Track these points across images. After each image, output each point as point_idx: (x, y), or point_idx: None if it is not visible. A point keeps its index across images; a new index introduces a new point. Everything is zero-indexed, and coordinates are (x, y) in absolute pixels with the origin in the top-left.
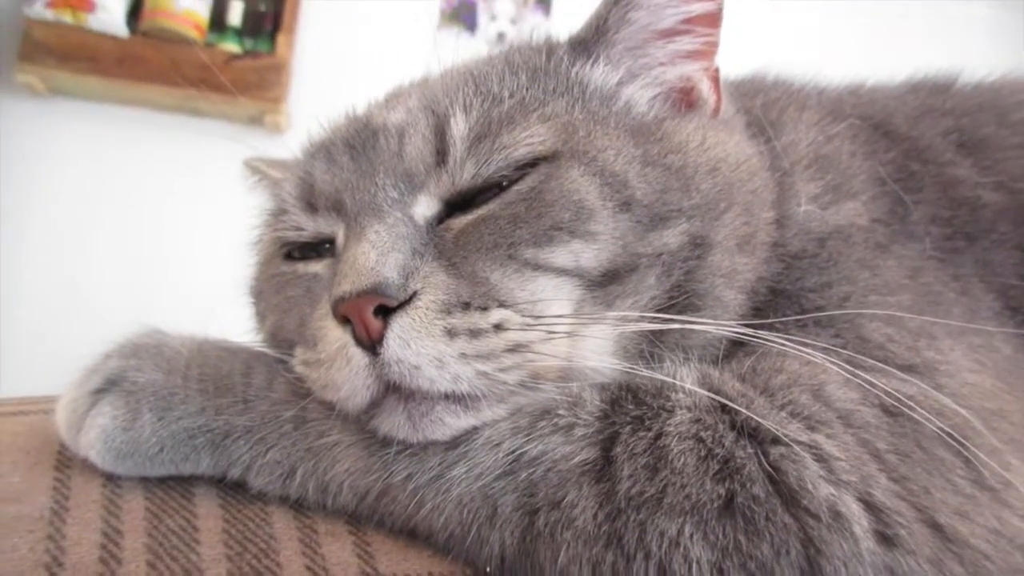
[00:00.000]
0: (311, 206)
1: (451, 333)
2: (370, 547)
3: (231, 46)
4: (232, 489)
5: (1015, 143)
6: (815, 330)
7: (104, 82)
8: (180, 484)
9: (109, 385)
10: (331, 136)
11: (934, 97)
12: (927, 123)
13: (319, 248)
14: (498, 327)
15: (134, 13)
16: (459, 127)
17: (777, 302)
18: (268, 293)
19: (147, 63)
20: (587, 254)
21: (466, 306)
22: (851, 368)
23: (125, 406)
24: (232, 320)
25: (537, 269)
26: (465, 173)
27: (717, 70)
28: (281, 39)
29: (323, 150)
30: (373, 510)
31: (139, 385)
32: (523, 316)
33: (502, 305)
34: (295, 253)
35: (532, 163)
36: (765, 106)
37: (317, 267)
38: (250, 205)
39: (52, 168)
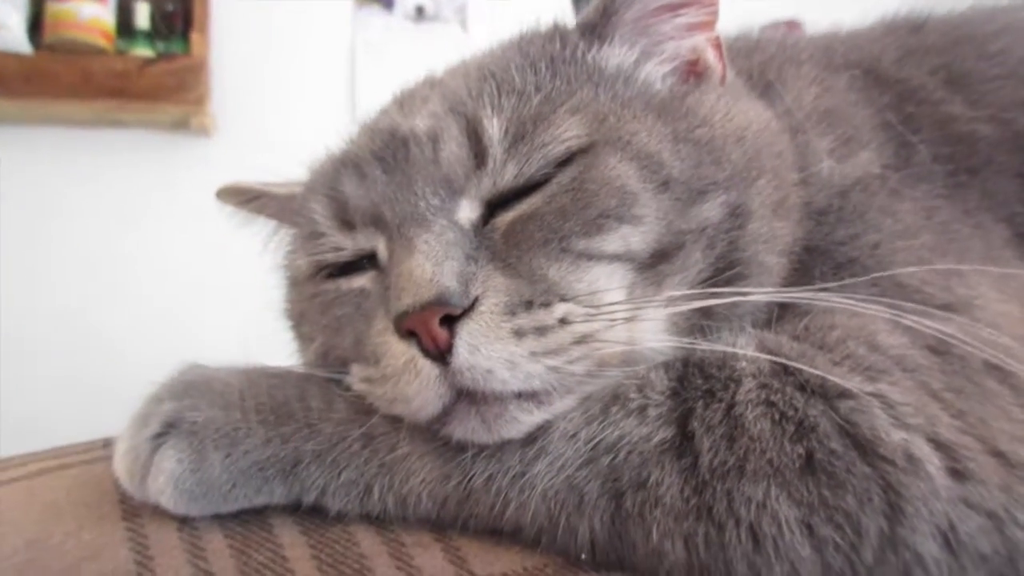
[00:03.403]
0: (347, 224)
1: (518, 333)
2: (460, 551)
3: (143, 51)
4: (307, 514)
5: (997, 74)
6: (850, 281)
7: (12, 103)
8: (254, 517)
9: (167, 428)
10: (355, 150)
11: (912, 37)
12: (913, 64)
13: (358, 262)
14: (563, 321)
15: (36, 28)
16: (494, 129)
17: (811, 259)
18: (312, 314)
19: (57, 78)
20: (635, 237)
21: (529, 305)
22: (896, 314)
23: (189, 447)
24: (191, 324)
25: (591, 259)
26: (507, 174)
27: (719, 38)
28: (195, 38)
29: (349, 166)
30: (455, 515)
31: (199, 425)
32: (585, 307)
33: (563, 299)
34: (335, 271)
35: (570, 157)
36: (762, 65)
37: (361, 281)
38: (183, 210)
39: None
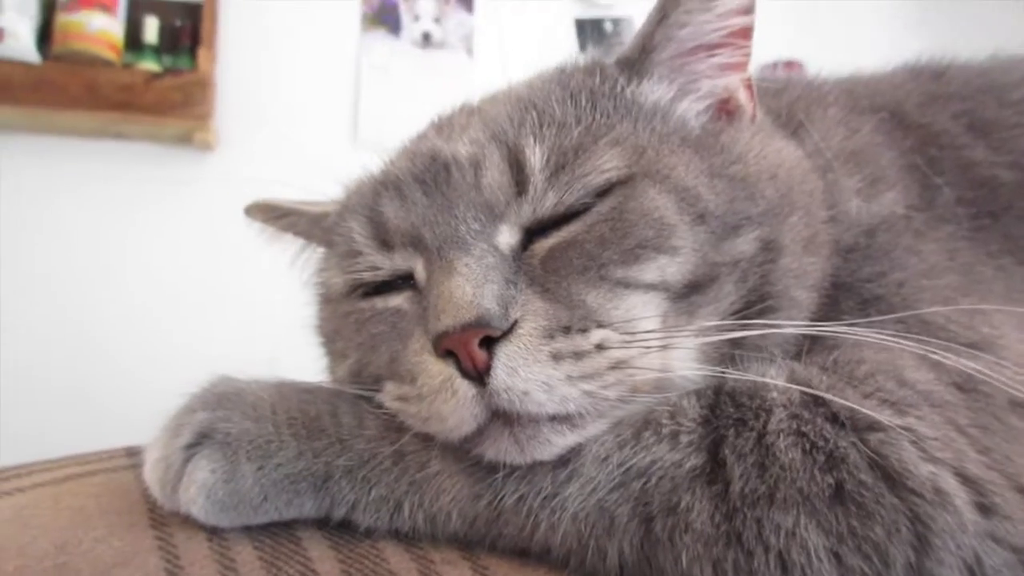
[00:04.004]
0: (385, 244)
1: (556, 357)
2: (488, 570)
3: (150, 65)
4: (335, 529)
5: (1017, 122)
6: (878, 318)
7: (19, 111)
8: (283, 530)
9: (200, 439)
10: (395, 172)
11: (934, 83)
12: (935, 109)
13: (394, 282)
14: (599, 347)
15: (45, 38)
16: (535, 158)
17: (839, 294)
18: (347, 332)
19: (63, 89)
20: (672, 268)
21: (567, 329)
22: (924, 351)
23: (223, 458)
24: (192, 336)
25: (628, 287)
26: (547, 202)
27: (751, 79)
28: (202, 54)
29: (390, 187)
30: (484, 534)
31: (232, 436)
32: (621, 334)
33: (600, 325)
34: (370, 289)
35: (609, 187)
36: (790, 105)
37: (397, 301)
38: (184, 223)
39: None
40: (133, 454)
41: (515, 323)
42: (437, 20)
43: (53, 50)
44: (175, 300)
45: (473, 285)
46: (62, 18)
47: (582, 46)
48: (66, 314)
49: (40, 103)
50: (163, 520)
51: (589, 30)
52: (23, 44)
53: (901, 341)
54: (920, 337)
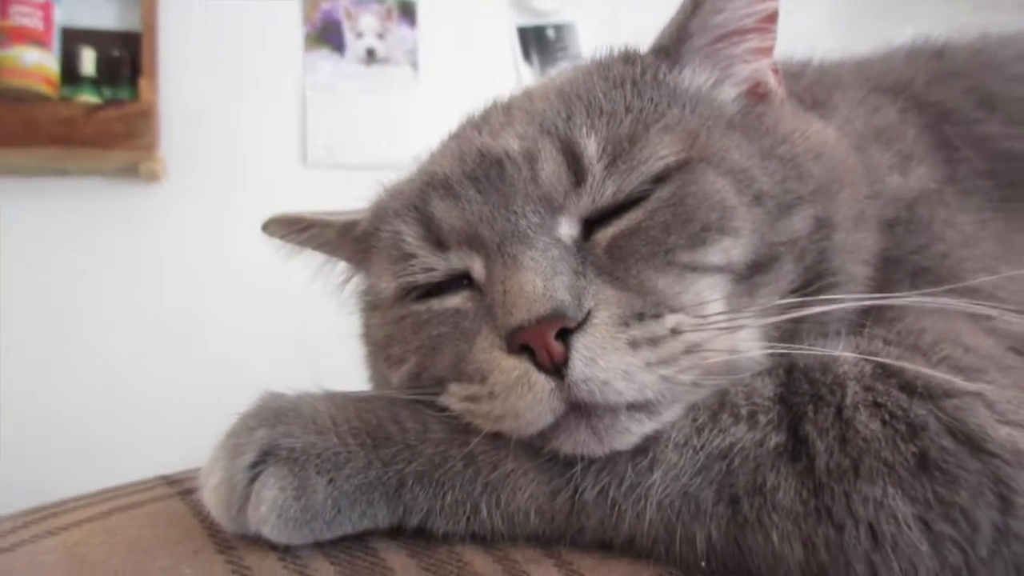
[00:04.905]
0: (440, 244)
1: (633, 344)
2: (572, 565)
3: (89, 97)
4: (410, 537)
5: (1023, 95)
6: (929, 289)
7: None
8: (355, 543)
9: (264, 456)
10: (443, 171)
11: (935, 62)
12: (944, 87)
13: (448, 283)
14: (674, 331)
15: None
16: (591, 149)
17: (888, 268)
18: (403, 336)
19: None
20: (736, 250)
21: (640, 316)
22: (981, 317)
23: (290, 474)
24: (140, 372)
25: (695, 271)
26: (606, 192)
27: (776, 63)
28: (143, 83)
29: (439, 187)
30: (564, 530)
31: (297, 451)
32: (693, 317)
33: (672, 310)
34: (423, 292)
35: (666, 173)
36: (811, 88)
37: (455, 301)
38: (134, 256)
39: None
40: (173, 482)
41: (589, 313)
42: (380, 36)
43: None
44: (127, 333)
45: (543, 278)
46: None
47: (526, 54)
48: (15, 355)
49: None
50: (228, 544)
51: (532, 38)
52: None
53: (967, 306)
54: (977, 303)
